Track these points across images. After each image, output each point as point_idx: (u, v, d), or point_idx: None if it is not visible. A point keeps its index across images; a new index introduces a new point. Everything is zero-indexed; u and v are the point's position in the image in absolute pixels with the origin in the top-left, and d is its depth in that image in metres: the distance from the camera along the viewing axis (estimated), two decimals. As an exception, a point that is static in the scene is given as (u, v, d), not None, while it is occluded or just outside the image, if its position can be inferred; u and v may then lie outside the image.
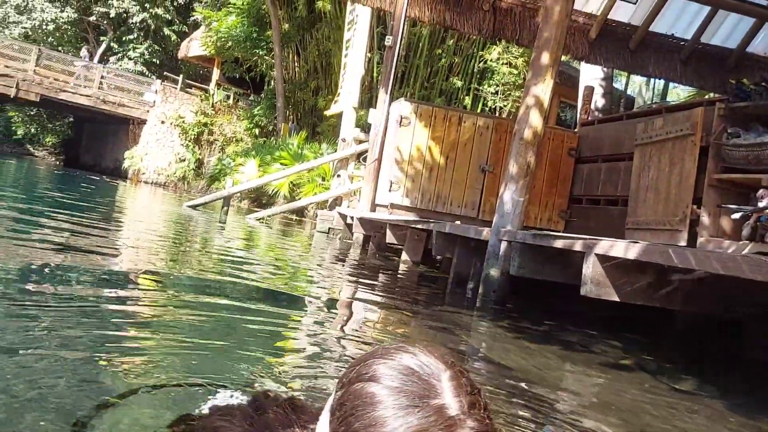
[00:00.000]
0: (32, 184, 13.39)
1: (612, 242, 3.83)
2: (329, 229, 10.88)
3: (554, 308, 5.35)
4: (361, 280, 5.98)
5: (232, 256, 6.21)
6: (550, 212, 8.31)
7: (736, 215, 4.86)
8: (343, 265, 7.04)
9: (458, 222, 6.73)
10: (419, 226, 6.97)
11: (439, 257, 6.95)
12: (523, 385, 2.67)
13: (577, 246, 3.94)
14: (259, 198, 16.37)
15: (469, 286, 5.50)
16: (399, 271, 6.98)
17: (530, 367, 3.13)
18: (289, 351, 2.74)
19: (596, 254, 3.75)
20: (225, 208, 12.49)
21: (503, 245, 4.95)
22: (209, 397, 1.61)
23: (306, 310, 3.85)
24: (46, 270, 3.59)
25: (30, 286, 3.04)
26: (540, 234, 4.79)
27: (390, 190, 8.06)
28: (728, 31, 8.10)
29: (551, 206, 8.32)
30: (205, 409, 1.38)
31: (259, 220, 12.41)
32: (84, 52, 26.24)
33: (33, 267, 3.61)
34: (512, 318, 4.62)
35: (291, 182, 14.61)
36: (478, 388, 0.86)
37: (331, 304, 4.39)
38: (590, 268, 3.79)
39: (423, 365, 0.84)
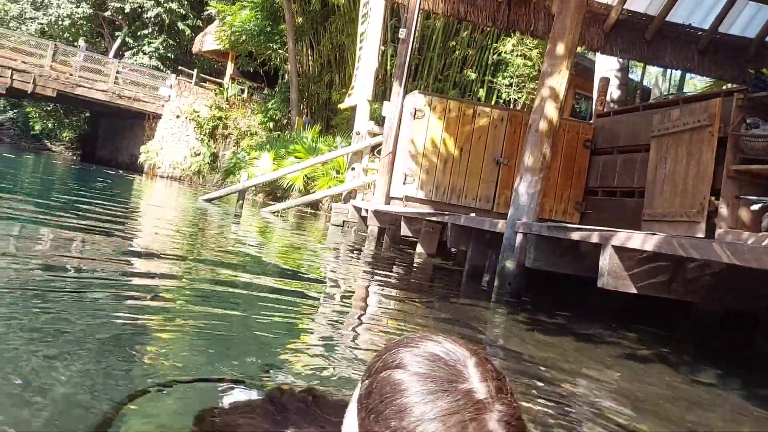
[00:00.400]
0: (50, 178, 13.54)
1: (629, 234, 3.81)
2: (344, 222, 10.91)
3: (570, 300, 5.35)
4: (376, 272, 6.00)
5: (247, 248, 6.26)
6: (565, 204, 8.28)
7: (755, 206, 4.81)
8: (358, 258, 7.07)
9: (473, 214, 6.72)
10: (434, 219, 6.97)
11: (453, 250, 6.95)
12: (541, 376, 2.68)
13: (594, 238, 3.93)
14: (274, 191, 16.44)
15: (484, 278, 5.51)
16: (414, 264, 7.00)
17: (548, 358, 3.13)
18: (305, 342, 2.77)
19: (613, 246, 3.73)
20: (240, 201, 12.56)
21: (519, 237, 4.94)
22: (227, 392, 1.60)
23: (321, 302, 3.88)
24: (64, 260, 3.64)
25: (48, 276, 3.09)
26: (556, 226, 4.77)
27: (404, 183, 8.06)
28: (747, 20, 7.99)
29: (566, 198, 8.29)
30: (224, 405, 1.37)
31: (273, 213, 12.47)
32: (81, 43, 26.38)
33: (51, 257, 3.66)
34: (528, 310, 4.62)
35: (305, 175, 14.66)
36: (503, 374, 0.87)
37: (346, 295, 4.41)
38: (607, 260, 3.77)
39: (448, 352, 0.85)
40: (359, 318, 3.57)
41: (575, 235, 4.19)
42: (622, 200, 7.47)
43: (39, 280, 3.00)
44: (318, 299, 3.96)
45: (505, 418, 0.80)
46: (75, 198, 8.91)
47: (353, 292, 4.67)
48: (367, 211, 9.40)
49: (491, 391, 0.82)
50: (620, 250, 3.73)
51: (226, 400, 1.40)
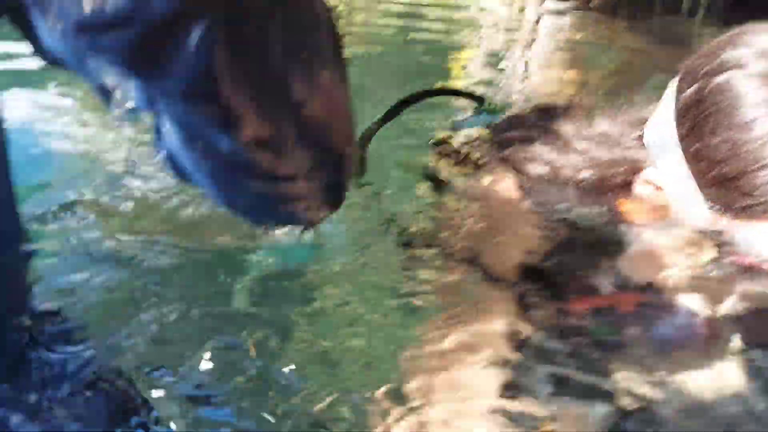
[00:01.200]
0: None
1: None
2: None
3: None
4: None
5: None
6: None
7: None
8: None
9: None
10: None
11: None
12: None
13: None
14: None
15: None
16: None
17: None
18: (476, 69, 2.54)
19: None
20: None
21: (738, -65, 4.11)
22: (457, 115, 1.32)
23: (476, 29, 3.55)
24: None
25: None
26: None
27: None
28: None
29: None
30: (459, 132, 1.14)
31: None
32: None
33: None
34: (743, 23, 3.98)
35: None
36: None
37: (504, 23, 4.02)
38: None
39: None
40: (529, 45, 3.23)
41: None
42: None
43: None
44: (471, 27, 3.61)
45: None
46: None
47: (511, 19, 4.22)
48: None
49: None
50: None
51: (462, 126, 1.16)
